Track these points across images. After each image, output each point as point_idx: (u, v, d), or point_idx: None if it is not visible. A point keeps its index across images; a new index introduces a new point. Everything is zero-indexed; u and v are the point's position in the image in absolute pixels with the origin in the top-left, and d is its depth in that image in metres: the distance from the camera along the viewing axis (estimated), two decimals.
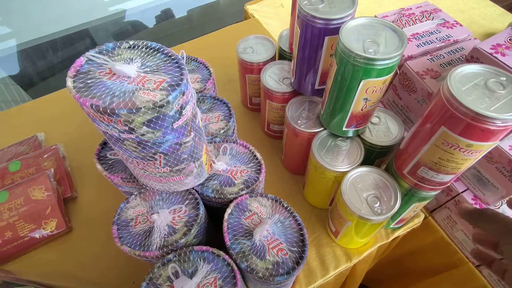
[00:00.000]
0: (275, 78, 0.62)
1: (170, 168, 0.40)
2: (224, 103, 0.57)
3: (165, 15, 1.43)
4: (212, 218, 0.50)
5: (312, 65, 0.52)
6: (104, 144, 0.51)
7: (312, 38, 0.48)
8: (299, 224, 0.44)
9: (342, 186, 0.48)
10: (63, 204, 0.65)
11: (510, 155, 0.46)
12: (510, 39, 0.49)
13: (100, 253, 0.59)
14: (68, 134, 0.76)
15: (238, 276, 0.39)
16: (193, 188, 0.46)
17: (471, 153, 0.38)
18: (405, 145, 0.47)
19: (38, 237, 0.60)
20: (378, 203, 0.47)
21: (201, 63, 0.63)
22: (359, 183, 0.49)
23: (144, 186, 0.46)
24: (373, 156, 0.54)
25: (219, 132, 0.53)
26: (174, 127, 0.34)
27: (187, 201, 0.46)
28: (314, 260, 0.59)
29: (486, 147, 0.37)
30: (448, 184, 0.46)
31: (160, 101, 0.31)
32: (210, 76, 0.60)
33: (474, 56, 0.47)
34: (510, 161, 0.47)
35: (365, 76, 0.41)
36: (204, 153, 0.43)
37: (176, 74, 0.33)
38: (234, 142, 0.51)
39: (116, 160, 0.50)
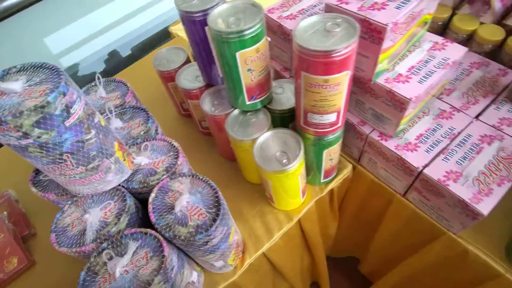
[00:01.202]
0: (189, 79, 0.68)
1: (85, 167, 0.43)
2: (143, 110, 0.61)
3: (112, 57, 1.50)
4: (146, 207, 0.53)
5: (207, 56, 0.58)
6: (37, 170, 0.55)
7: (196, 32, 0.54)
8: (214, 189, 0.48)
9: (254, 151, 0.53)
10: (22, 242, 0.67)
11: (386, 87, 0.53)
12: None
13: (64, 278, 0.61)
14: (17, 180, 0.78)
15: (165, 244, 0.43)
16: (119, 184, 0.50)
17: (333, 87, 0.43)
18: (295, 102, 0.53)
19: (2, 276, 0.62)
20: (285, 157, 0.52)
21: (119, 81, 0.68)
22: (268, 145, 0.54)
23: (76, 194, 0.49)
24: (283, 121, 0.59)
25: (140, 134, 0.57)
26: (67, 125, 0.38)
27: (115, 197, 0.49)
28: (259, 229, 0.62)
29: (340, 78, 0.43)
30: (339, 124, 0.51)
31: (40, 102, 0.35)
32: (128, 90, 0.65)
33: (327, 11, 0.53)
34: (387, 92, 0.53)
35: (237, 49, 0.47)
36: (118, 149, 0.47)
37: (55, 80, 0.38)
38: (154, 139, 0.56)
39: (49, 181, 0.53)
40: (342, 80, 0.43)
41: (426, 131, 0.59)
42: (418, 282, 0.75)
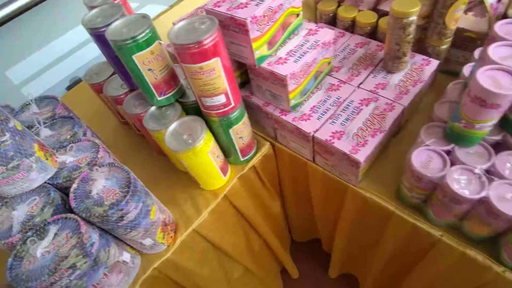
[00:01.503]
0: (115, 87, 0.76)
1: (5, 167, 0.50)
2: (70, 118, 0.69)
3: (75, 83, 1.56)
4: None
5: (121, 65, 0.66)
6: None
7: (105, 45, 0.62)
8: (127, 172, 0.55)
9: (165, 138, 0.61)
10: None
11: (268, 69, 0.62)
12: None
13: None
14: None
15: (82, 223, 0.50)
16: (45, 182, 0.57)
17: (209, 72, 0.53)
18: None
19: None
20: (191, 138, 0.60)
21: (52, 98, 0.75)
22: (178, 132, 0.62)
23: (6, 196, 0.55)
24: (196, 111, 0.68)
25: (67, 138, 0.65)
26: None
27: (42, 193, 0.56)
28: (189, 209, 0.69)
29: (212, 64, 0.52)
30: (233, 104, 0.60)
31: None
32: (58, 103, 0.73)
33: (207, 13, 0.62)
34: (270, 73, 0.63)
35: (133, 52, 0.56)
36: (38, 150, 0.54)
37: None
38: (79, 141, 0.63)
39: None
40: (215, 66, 0.52)
41: (318, 103, 0.69)
42: (341, 229, 0.83)
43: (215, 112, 0.60)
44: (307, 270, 1.22)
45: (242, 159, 0.73)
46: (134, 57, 0.56)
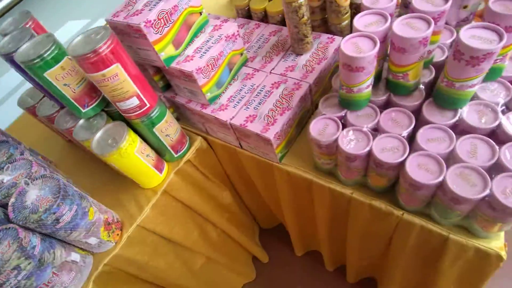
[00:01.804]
0: (47, 107, 0.80)
1: None
2: (6, 141, 0.74)
3: None
4: None
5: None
6: None
7: (19, 68, 0.68)
8: (56, 179, 0.61)
9: (92, 145, 0.67)
10: None
11: (177, 68, 0.68)
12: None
13: None
14: None
15: (20, 230, 0.55)
16: None
17: (113, 78, 0.58)
18: None
19: None
20: (115, 142, 0.66)
21: None
22: (103, 138, 0.68)
23: None
24: (121, 117, 0.74)
25: (4, 160, 0.70)
26: None
27: None
28: (132, 208, 0.75)
29: (113, 70, 0.58)
30: (148, 105, 0.66)
31: None
32: None
33: (111, 26, 0.68)
34: (179, 71, 0.69)
35: (42, 71, 0.61)
36: None
37: None
38: (15, 161, 0.68)
39: None
40: (117, 71, 0.58)
41: (234, 93, 0.75)
42: (286, 208, 0.89)
43: (133, 114, 0.66)
44: (277, 253, 1.28)
45: (176, 156, 0.79)
46: (45, 75, 0.61)
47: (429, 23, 0.51)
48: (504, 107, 0.56)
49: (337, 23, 0.78)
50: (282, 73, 0.75)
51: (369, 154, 0.57)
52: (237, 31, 0.73)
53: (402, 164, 0.54)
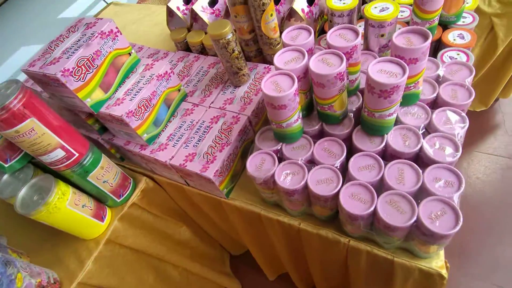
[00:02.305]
0: None
1: None
2: None
3: None
4: None
5: None
6: None
7: None
8: None
9: (16, 205, 0.62)
10: None
11: (106, 112, 0.66)
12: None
13: None
14: None
15: None
16: None
17: (29, 134, 0.55)
18: None
19: None
20: (41, 198, 0.61)
21: None
22: (29, 194, 0.63)
23: None
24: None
25: None
26: None
27: None
28: (73, 264, 0.70)
29: (28, 125, 0.54)
30: (77, 155, 0.63)
31: None
32: None
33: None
34: (109, 115, 0.66)
35: None
36: None
37: None
38: None
39: None
40: (33, 125, 0.55)
41: (174, 130, 0.74)
42: (246, 239, 0.88)
43: (61, 166, 0.62)
44: (250, 280, 1.25)
45: (119, 200, 0.75)
46: None
47: (342, 59, 0.53)
48: (424, 130, 0.59)
49: (272, 53, 0.79)
50: (221, 106, 0.75)
51: (306, 187, 0.57)
52: (170, 69, 0.72)
53: (337, 195, 0.55)
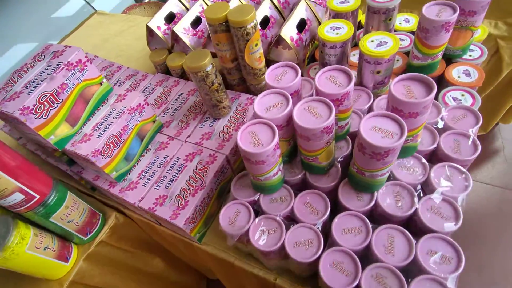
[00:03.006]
0: None
1: None
2: None
3: None
4: None
5: None
6: None
7: None
8: None
9: None
10: None
11: (71, 150, 0.60)
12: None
13: None
14: None
15: None
16: None
17: None
18: None
19: None
20: None
21: None
22: None
23: None
24: None
25: None
26: None
27: None
28: None
29: None
30: (39, 196, 0.57)
31: None
32: None
33: None
34: (74, 154, 0.60)
35: None
36: None
37: None
38: None
39: None
40: None
41: (146, 166, 0.68)
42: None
43: (21, 208, 0.57)
44: None
45: (85, 239, 0.70)
46: None
47: (330, 110, 0.46)
48: (420, 190, 0.52)
49: (256, 84, 0.73)
50: (198, 141, 0.69)
51: (283, 248, 0.51)
52: (144, 100, 0.66)
53: (316, 261, 0.49)
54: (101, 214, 0.74)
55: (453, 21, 0.59)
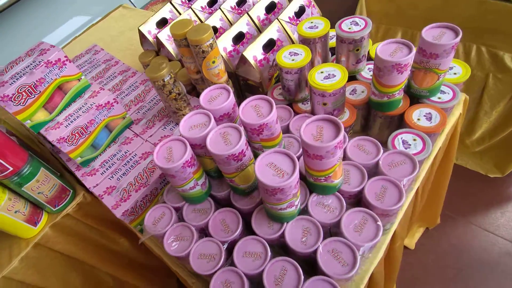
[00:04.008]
0: None
1: None
2: None
3: None
4: None
5: None
6: None
7: None
8: None
9: None
10: None
11: (43, 134, 0.70)
12: None
13: None
14: None
15: None
16: None
17: None
18: None
19: None
20: None
21: None
22: None
23: None
24: None
25: None
26: None
27: None
28: (3, 258, 0.79)
29: None
30: (11, 169, 0.69)
31: None
32: None
33: None
34: (45, 138, 0.70)
35: None
36: None
37: None
38: None
39: None
40: None
41: (109, 157, 0.78)
42: None
43: None
44: None
45: (54, 209, 0.81)
46: None
47: (240, 136, 0.49)
48: (329, 230, 0.54)
49: None
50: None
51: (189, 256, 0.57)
52: (113, 99, 0.75)
53: (211, 276, 0.53)
54: (71, 191, 0.85)
55: (406, 63, 0.57)
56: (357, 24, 0.68)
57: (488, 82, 1.07)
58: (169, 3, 0.88)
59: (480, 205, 1.26)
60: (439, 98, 0.68)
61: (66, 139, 0.72)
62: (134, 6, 1.71)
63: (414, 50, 0.58)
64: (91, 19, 1.58)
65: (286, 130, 0.68)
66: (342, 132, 0.48)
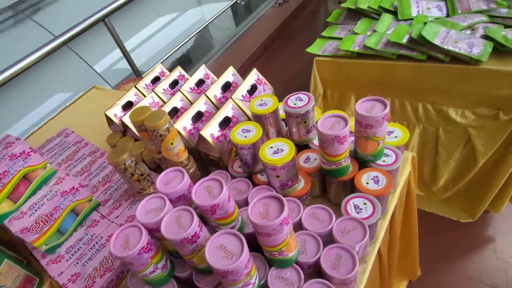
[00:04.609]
0: None
1: None
2: None
3: None
4: None
5: None
6: None
7: None
8: None
9: None
10: None
11: (6, 225, 0.72)
12: None
13: None
14: None
15: None
16: None
17: None
18: None
19: None
20: None
21: None
22: None
23: None
24: None
25: None
26: None
27: None
28: None
29: None
30: None
31: None
32: None
33: None
34: (8, 228, 0.72)
35: None
36: None
37: None
38: None
39: None
40: None
41: (75, 242, 0.79)
42: None
43: None
44: None
45: None
46: None
47: (192, 221, 0.52)
48: None
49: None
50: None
51: None
52: (79, 184, 0.79)
53: None
54: (37, 279, 0.84)
55: (344, 135, 0.64)
56: (301, 99, 0.77)
57: (439, 134, 1.17)
58: (134, 87, 0.97)
59: (458, 252, 1.29)
60: (384, 161, 0.75)
61: (30, 228, 0.74)
62: (109, 84, 1.84)
63: (350, 122, 0.66)
64: (66, 100, 1.70)
65: (245, 203, 0.73)
66: (286, 210, 0.53)
